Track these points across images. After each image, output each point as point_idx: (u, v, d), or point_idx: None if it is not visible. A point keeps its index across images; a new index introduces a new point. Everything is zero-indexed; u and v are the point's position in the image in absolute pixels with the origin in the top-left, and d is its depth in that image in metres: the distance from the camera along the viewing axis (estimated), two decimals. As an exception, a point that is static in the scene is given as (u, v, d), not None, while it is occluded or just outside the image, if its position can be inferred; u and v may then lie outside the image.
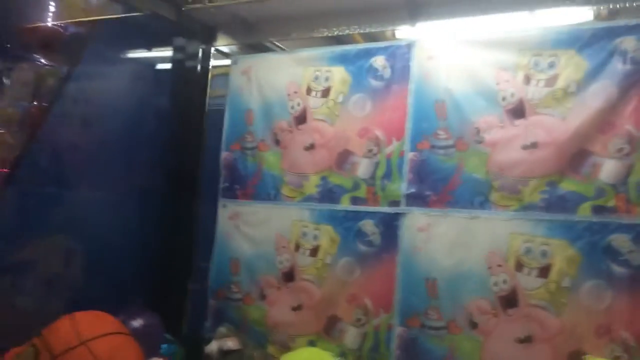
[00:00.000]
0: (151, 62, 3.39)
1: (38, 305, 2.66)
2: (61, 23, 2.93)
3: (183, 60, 3.34)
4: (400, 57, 2.72)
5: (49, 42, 3.16)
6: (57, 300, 2.72)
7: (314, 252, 2.81)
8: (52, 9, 2.95)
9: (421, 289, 2.52)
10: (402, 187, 2.64)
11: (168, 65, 3.37)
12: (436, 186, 2.56)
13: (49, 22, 2.95)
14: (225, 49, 3.41)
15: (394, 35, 2.96)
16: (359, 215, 2.72)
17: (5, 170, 3.13)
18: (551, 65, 2.38)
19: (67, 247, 2.76)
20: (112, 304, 2.63)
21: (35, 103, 3.17)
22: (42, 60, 3.23)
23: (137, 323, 2.67)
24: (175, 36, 3.32)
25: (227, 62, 3.34)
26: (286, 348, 2.63)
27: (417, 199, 2.60)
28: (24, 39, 2.90)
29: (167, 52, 3.38)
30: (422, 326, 2.50)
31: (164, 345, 2.76)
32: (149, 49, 3.42)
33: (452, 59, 2.60)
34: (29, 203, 2.77)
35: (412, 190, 2.61)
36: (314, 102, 2.93)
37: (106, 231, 2.89)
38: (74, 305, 2.46)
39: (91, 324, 2.30)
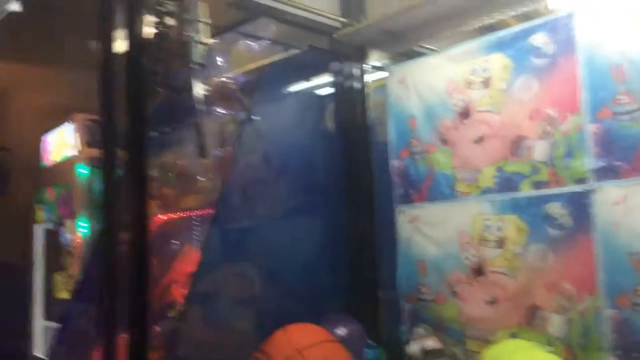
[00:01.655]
0: (313, 91, 3.64)
1: (252, 325, 2.96)
2: (231, 74, 3.30)
3: (341, 83, 3.53)
4: (562, 29, 2.60)
5: (224, 93, 3.58)
6: (267, 318, 3.01)
7: (501, 243, 2.75)
8: (222, 64, 3.35)
9: (626, 265, 2.32)
10: (588, 162, 2.49)
11: (328, 91, 3.60)
12: (626, 155, 2.38)
13: (221, 76, 3.35)
14: (379, 63, 3.54)
15: (547, 8, 2.83)
16: (543, 199, 2.62)
17: (210, 211, 3.58)
18: None
19: (266, 271, 3.05)
20: (314, 316, 2.84)
21: (222, 149, 3.59)
22: (221, 110, 3.67)
23: (341, 331, 2.84)
24: (330, 62, 3.53)
25: (383, 74, 3.47)
26: (486, 342, 2.59)
27: (606, 172, 2.43)
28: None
29: (326, 79, 3.61)
30: (634, 305, 2.30)
31: (368, 350, 2.89)
32: (309, 79, 3.68)
33: (623, 18, 2.42)
34: (231, 237, 3.12)
35: (600, 163, 2.45)
36: (476, 94, 2.91)
37: (296, 252, 3.12)
38: (281, 320, 2.71)
39: (303, 334, 2.52)
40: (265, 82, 3.28)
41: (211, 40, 2.23)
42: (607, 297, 2.38)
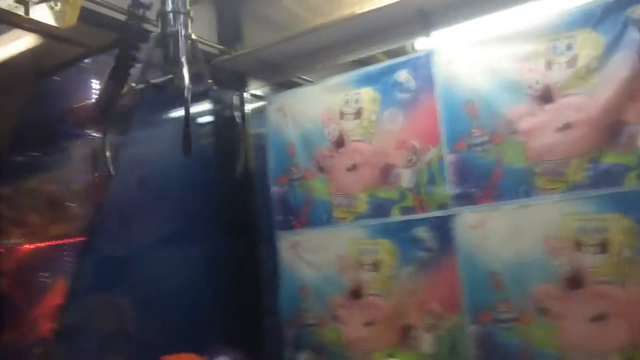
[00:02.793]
0: (192, 117, 3.58)
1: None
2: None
3: (220, 109, 3.53)
4: (422, 67, 2.82)
5: (97, 115, 3.42)
6: (142, 352, 2.91)
7: (376, 266, 2.91)
8: (96, 86, 3.21)
9: (486, 284, 2.57)
10: (448, 189, 2.72)
11: (207, 117, 3.58)
12: (479, 183, 2.63)
13: (94, 98, 3.19)
14: (258, 92, 3.59)
15: (413, 48, 3.06)
16: (411, 224, 2.81)
17: (81, 238, 3.38)
18: (569, 47, 2.43)
19: (142, 301, 2.95)
20: (195, 348, 2.80)
21: (95, 174, 3.42)
22: (95, 134, 3.49)
23: (221, 360, 2.83)
24: (209, 89, 3.51)
25: (262, 103, 3.53)
26: (366, 363, 2.73)
27: (464, 199, 2.67)
28: (75, 117, 3.16)
29: (204, 105, 3.59)
30: (493, 320, 2.55)
31: (251, 379, 2.90)
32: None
33: (472, 59, 2.68)
34: (104, 266, 2.98)
35: (458, 191, 2.69)
36: (349, 125, 3.06)
37: (175, 281, 3.06)
38: (159, 354, 2.64)
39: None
40: (143, 105, 3.18)
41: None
42: (470, 314, 2.61)
